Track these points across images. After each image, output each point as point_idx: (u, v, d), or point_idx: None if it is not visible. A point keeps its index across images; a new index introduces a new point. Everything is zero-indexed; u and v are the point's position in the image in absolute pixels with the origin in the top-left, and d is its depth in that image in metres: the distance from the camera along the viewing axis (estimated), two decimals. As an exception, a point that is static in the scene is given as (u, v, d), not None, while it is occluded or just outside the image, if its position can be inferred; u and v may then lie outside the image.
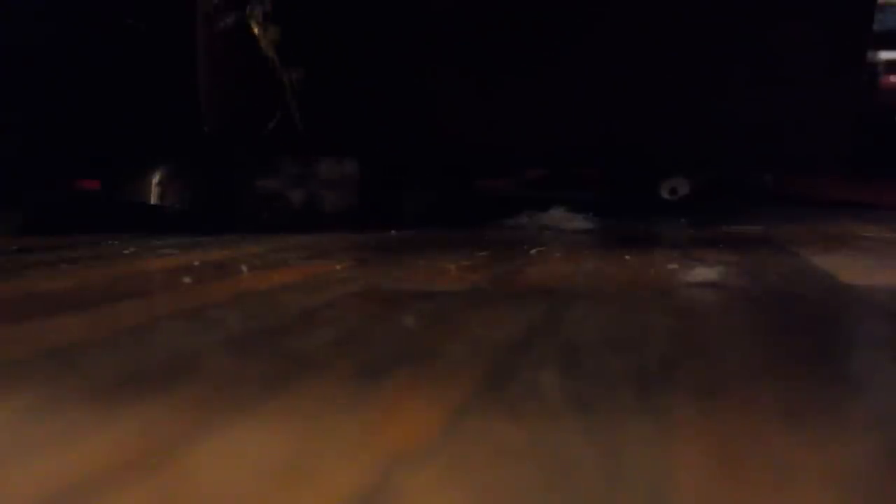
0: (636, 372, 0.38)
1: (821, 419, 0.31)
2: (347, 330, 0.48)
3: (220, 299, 0.58)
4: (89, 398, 0.33)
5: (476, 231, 1.13)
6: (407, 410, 0.32)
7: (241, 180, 1.18)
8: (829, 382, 0.37)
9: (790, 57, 1.24)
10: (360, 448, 0.28)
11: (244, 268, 0.74)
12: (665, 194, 1.55)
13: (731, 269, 0.72)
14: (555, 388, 0.35)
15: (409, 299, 0.59)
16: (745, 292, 0.62)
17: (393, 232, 1.11)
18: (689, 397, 0.33)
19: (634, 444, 0.28)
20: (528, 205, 1.24)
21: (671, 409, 0.32)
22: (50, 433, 0.29)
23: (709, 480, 0.24)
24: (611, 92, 1.25)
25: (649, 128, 1.27)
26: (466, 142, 1.25)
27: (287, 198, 1.19)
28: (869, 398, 0.35)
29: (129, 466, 0.26)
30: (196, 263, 0.77)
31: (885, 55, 1.82)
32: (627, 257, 0.83)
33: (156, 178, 1.17)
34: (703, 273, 0.67)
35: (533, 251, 0.88)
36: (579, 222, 1.17)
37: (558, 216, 1.20)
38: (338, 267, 0.75)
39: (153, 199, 1.17)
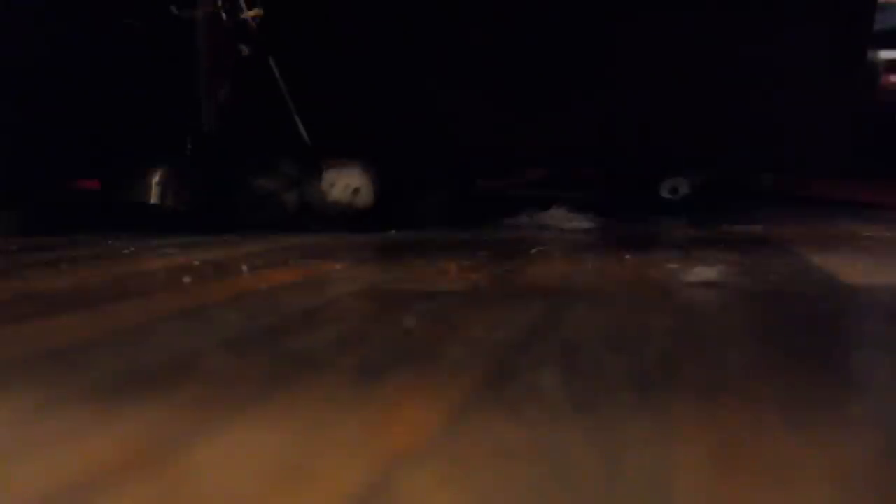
0: (636, 371, 0.38)
1: (821, 419, 0.31)
2: (348, 330, 0.48)
3: (221, 299, 0.58)
4: (89, 398, 0.33)
5: (476, 231, 1.13)
6: (407, 410, 0.32)
7: (240, 180, 1.18)
8: (830, 382, 0.37)
9: (790, 57, 1.24)
10: (360, 448, 0.28)
11: (244, 267, 0.74)
12: (665, 194, 1.55)
13: (731, 269, 0.72)
14: (555, 387, 0.35)
15: (410, 299, 0.59)
16: (745, 292, 0.62)
17: (393, 232, 1.11)
18: (690, 397, 0.33)
19: (635, 444, 0.28)
20: (528, 205, 1.24)
21: (671, 408, 0.32)
22: (50, 433, 0.29)
23: (709, 480, 0.24)
24: (611, 92, 1.25)
25: (649, 128, 1.27)
26: (468, 143, 1.25)
27: (286, 198, 1.19)
28: (869, 397, 0.35)
29: (129, 466, 0.26)
30: (196, 263, 0.77)
31: (885, 55, 1.82)
32: (627, 257, 0.83)
33: (156, 178, 1.17)
34: (703, 273, 0.67)
35: (533, 251, 0.88)
36: (579, 222, 1.17)
37: (558, 216, 1.20)
38: (338, 267, 0.75)
39: (153, 199, 1.17)
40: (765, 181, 1.96)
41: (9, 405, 0.32)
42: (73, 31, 1.14)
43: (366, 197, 1.19)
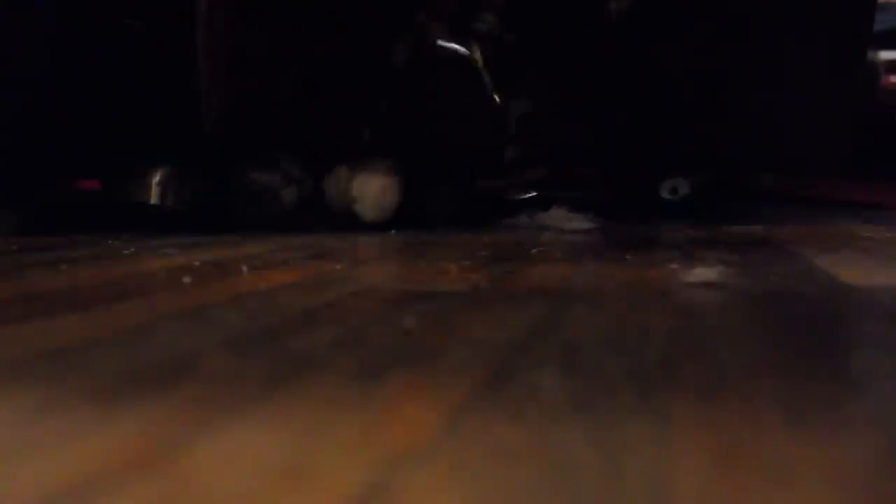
0: (636, 372, 0.38)
1: (821, 419, 0.31)
2: (348, 330, 0.48)
3: (221, 299, 0.58)
4: (89, 398, 0.33)
5: (476, 231, 1.13)
6: (407, 410, 0.32)
7: (240, 180, 1.18)
8: (830, 382, 0.37)
9: (790, 57, 1.24)
10: (360, 448, 0.28)
11: (244, 268, 0.74)
12: (665, 194, 1.55)
13: (731, 269, 0.72)
14: (555, 388, 0.35)
15: (410, 299, 0.59)
16: (745, 292, 0.62)
17: (393, 232, 1.11)
18: (690, 397, 0.33)
19: (635, 444, 0.28)
20: (528, 205, 1.24)
21: (671, 408, 0.32)
22: (50, 433, 0.29)
23: (709, 480, 0.24)
24: (611, 92, 1.25)
25: (649, 128, 1.27)
26: (468, 143, 1.25)
27: (286, 197, 1.18)
28: (869, 398, 0.35)
29: (129, 466, 0.26)
30: (196, 263, 0.77)
31: (885, 55, 1.82)
32: (628, 257, 0.83)
33: (156, 178, 1.17)
34: (703, 273, 0.67)
35: (533, 251, 0.88)
36: (579, 222, 1.17)
37: (558, 216, 1.20)
38: (338, 267, 0.75)
39: (153, 199, 1.17)
40: (765, 181, 1.96)
41: (9, 405, 0.32)
42: (73, 31, 1.14)
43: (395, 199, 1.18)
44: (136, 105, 1.16)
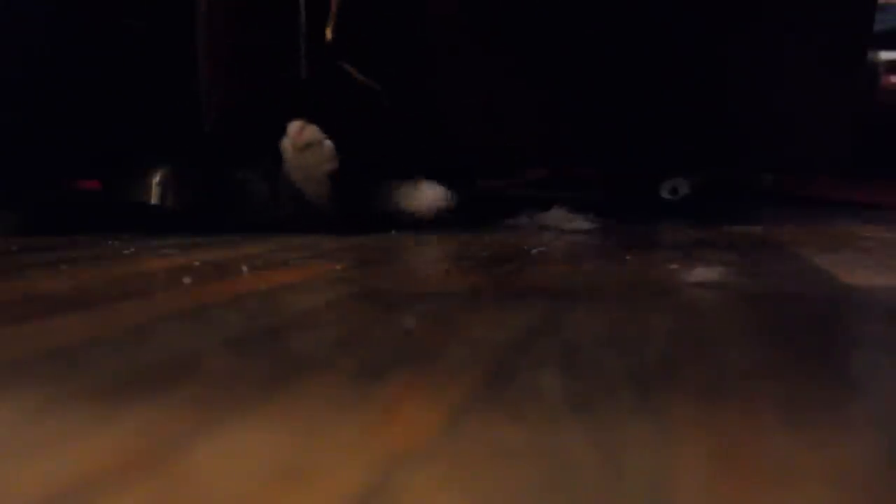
0: (636, 372, 0.38)
1: (821, 419, 0.31)
2: (347, 330, 0.48)
3: (221, 299, 0.58)
4: (89, 398, 0.33)
5: (476, 231, 1.13)
6: (407, 410, 0.32)
7: (240, 180, 1.18)
8: (830, 382, 0.37)
9: (790, 57, 1.24)
10: (360, 448, 0.28)
11: (244, 268, 0.74)
12: (665, 194, 1.55)
13: (731, 269, 0.72)
14: (555, 388, 0.35)
15: (409, 300, 0.59)
16: (746, 292, 0.62)
17: (393, 232, 1.11)
18: (690, 397, 0.33)
19: (635, 444, 0.28)
20: (528, 205, 1.24)
21: (671, 408, 0.32)
22: (50, 433, 0.29)
23: (709, 480, 0.24)
24: (611, 92, 1.25)
25: (649, 128, 1.27)
26: (468, 143, 1.25)
27: (285, 197, 1.18)
28: (869, 398, 0.35)
29: (129, 466, 0.26)
30: (196, 263, 0.77)
31: (885, 55, 1.82)
32: (628, 257, 0.83)
33: (156, 178, 1.17)
34: (703, 273, 0.67)
35: (533, 251, 0.88)
36: (579, 222, 1.17)
37: (558, 217, 1.20)
38: (338, 267, 0.75)
39: (153, 199, 1.17)
40: (765, 181, 1.96)
41: (9, 405, 0.32)
42: (73, 31, 1.14)
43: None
44: (136, 105, 1.16)
